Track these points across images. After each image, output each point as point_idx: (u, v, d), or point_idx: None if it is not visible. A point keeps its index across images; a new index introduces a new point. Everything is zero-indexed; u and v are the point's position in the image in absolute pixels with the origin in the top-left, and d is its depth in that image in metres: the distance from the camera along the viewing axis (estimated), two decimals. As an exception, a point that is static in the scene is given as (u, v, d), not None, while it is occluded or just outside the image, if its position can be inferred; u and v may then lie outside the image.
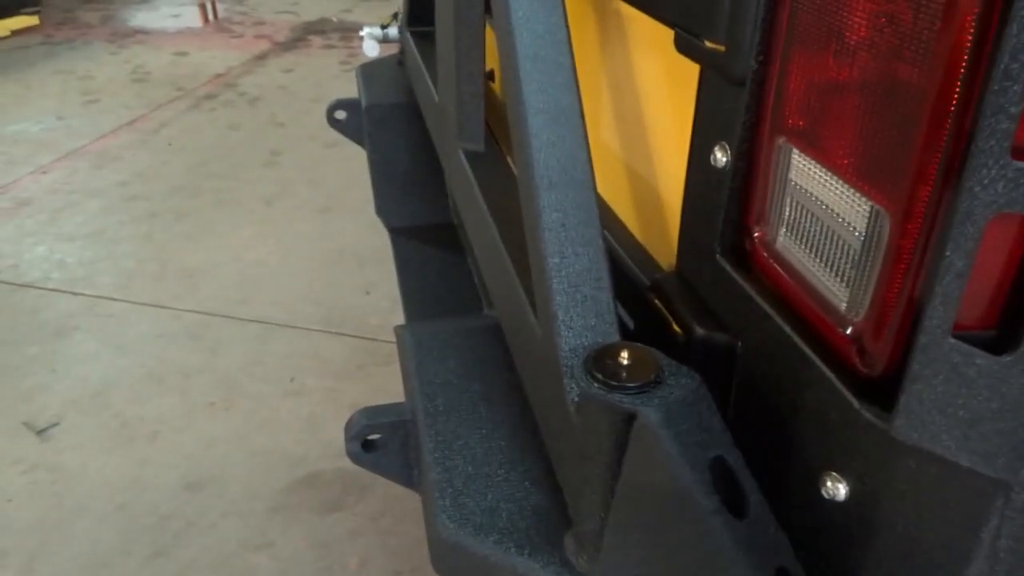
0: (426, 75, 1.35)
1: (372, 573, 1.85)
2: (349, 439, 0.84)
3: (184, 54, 5.51)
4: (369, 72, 1.77)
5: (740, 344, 0.61)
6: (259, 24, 6.24)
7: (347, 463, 2.23)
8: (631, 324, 0.78)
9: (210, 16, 6.48)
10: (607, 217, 0.86)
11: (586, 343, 0.65)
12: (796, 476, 0.59)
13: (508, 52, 0.73)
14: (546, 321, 0.69)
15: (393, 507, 2.00)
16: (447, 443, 0.78)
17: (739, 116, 0.55)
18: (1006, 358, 0.41)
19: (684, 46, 0.61)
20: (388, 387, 2.38)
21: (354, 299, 2.88)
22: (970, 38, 0.36)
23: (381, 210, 1.45)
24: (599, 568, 0.64)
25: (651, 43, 0.77)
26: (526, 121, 0.70)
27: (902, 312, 0.42)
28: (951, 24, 0.36)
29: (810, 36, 0.46)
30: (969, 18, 0.35)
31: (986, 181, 0.35)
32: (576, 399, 0.62)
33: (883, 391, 0.45)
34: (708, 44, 0.57)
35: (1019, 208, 0.37)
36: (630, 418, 0.56)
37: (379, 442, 0.85)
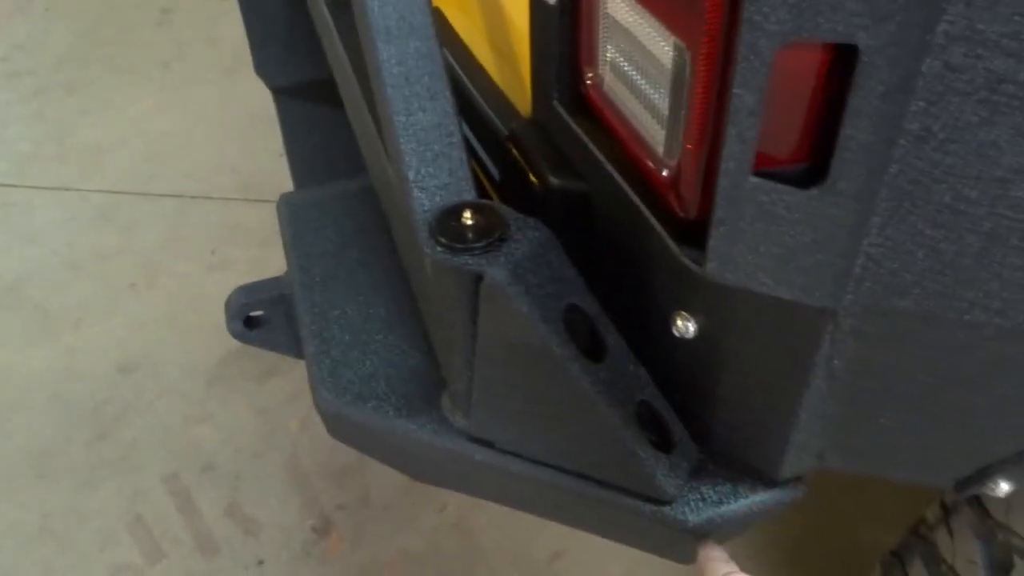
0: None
1: (314, 431, 1.90)
2: (231, 318, 0.82)
3: (50, -96, 4.93)
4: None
5: (590, 189, 0.60)
6: None
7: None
8: (497, 175, 0.76)
9: None
10: (468, 64, 0.81)
11: (440, 203, 0.63)
12: (650, 316, 0.59)
13: None
14: (399, 182, 0.66)
15: (329, 367, 2.03)
16: (324, 314, 0.77)
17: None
18: (814, 191, 0.41)
19: None
20: (311, 250, 2.34)
21: (270, 163, 2.77)
22: None
23: (260, 68, 1.36)
24: (473, 424, 0.65)
25: None
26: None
27: (708, 152, 0.40)
28: None
29: None
30: None
31: (766, 8, 0.33)
32: (432, 262, 0.61)
33: (703, 234, 0.45)
34: None
35: (809, 34, 0.34)
36: (478, 279, 0.55)
37: (262, 318, 0.83)
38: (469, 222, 0.57)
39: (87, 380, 2.04)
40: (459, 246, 0.56)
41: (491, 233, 0.56)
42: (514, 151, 0.68)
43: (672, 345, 0.59)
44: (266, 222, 2.54)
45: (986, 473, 0.57)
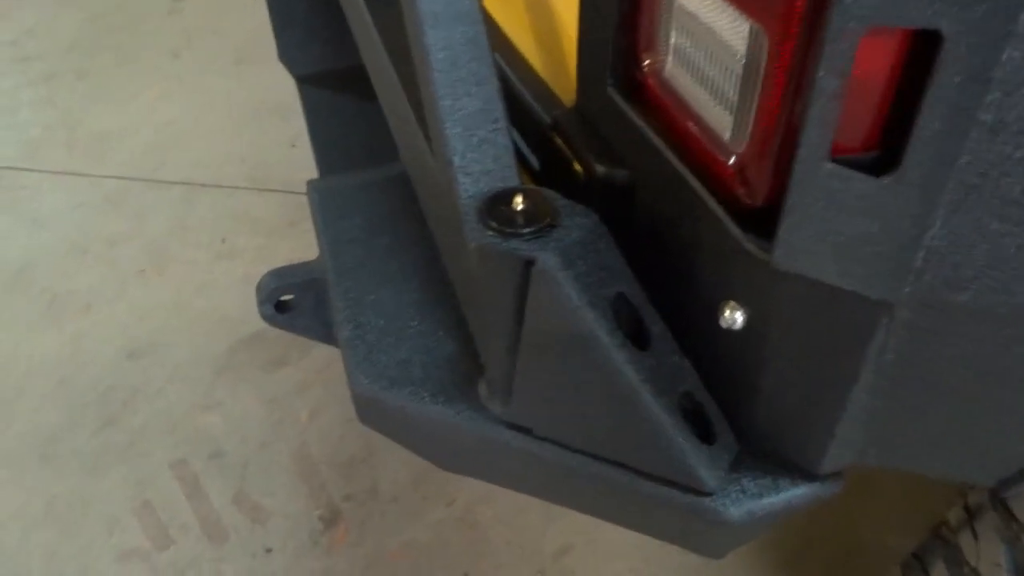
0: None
1: (324, 422, 1.90)
2: (261, 301, 0.82)
3: None
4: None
5: (638, 178, 0.60)
6: None
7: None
8: (536, 164, 0.76)
9: None
10: (508, 54, 0.81)
11: (484, 188, 0.63)
12: (697, 306, 0.59)
13: None
14: (443, 168, 0.66)
15: (339, 359, 2.03)
16: (358, 299, 0.77)
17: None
18: (885, 180, 0.41)
19: None
20: (321, 241, 2.35)
21: (279, 153, 2.77)
22: None
23: (284, 55, 1.35)
24: (512, 411, 0.65)
25: None
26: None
27: (781, 138, 0.40)
28: None
29: None
30: None
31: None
32: (478, 247, 0.61)
33: (768, 221, 0.45)
34: None
35: (893, 20, 0.34)
36: (528, 264, 0.55)
37: (292, 302, 0.83)
38: (519, 207, 0.57)
39: (95, 366, 2.03)
40: (509, 231, 0.56)
41: (541, 219, 0.56)
42: (557, 139, 0.68)
43: (718, 336, 0.58)
44: (274, 212, 2.54)
45: (1029, 471, 0.58)
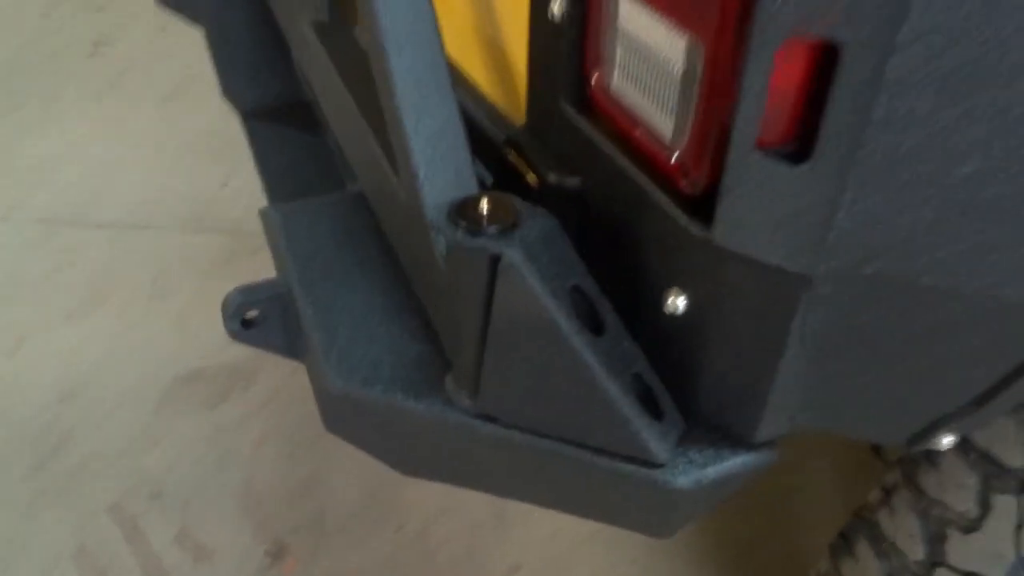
0: (259, -57, 1.29)
1: (269, 452, 1.90)
2: (228, 317, 0.85)
3: (-29, -68, 4.83)
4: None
5: (588, 184, 0.67)
6: None
7: (227, 357, 2.22)
8: (488, 179, 0.83)
9: None
10: (458, 80, 0.88)
11: (448, 198, 0.69)
12: (643, 295, 0.67)
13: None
14: (409, 181, 0.72)
15: (281, 392, 2.03)
16: (326, 307, 0.81)
17: (571, -36, 0.58)
18: (802, 167, 0.49)
19: None
20: (260, 275, 2.36)
21: (211, 191, 2.77)
22: None
23: (228, 92, 1.39)
24: (478, 402, 0.70)
25: None
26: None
27: (716, 135, 0.48)
28: None
29: None
30: None
31: (776, 8, 0.41)
32: (444, 250, 0.67)
33: (706, 207, 0.52)
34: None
35: (807, 30, 0.43)
36: (495, 259, 0.61)
37: (258, 318, 0.87)
38: (484, 211, 0.63)
39: (25, 407, 1.98)
40: (476, 231, 0.62)
41: (504, 220, 0.63)
42: (511, 154, 0.75)
43: (662, 321, 0.66)
44: (208, 252, 2.53)
45: (934, 429, 0.66)
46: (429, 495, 1.80)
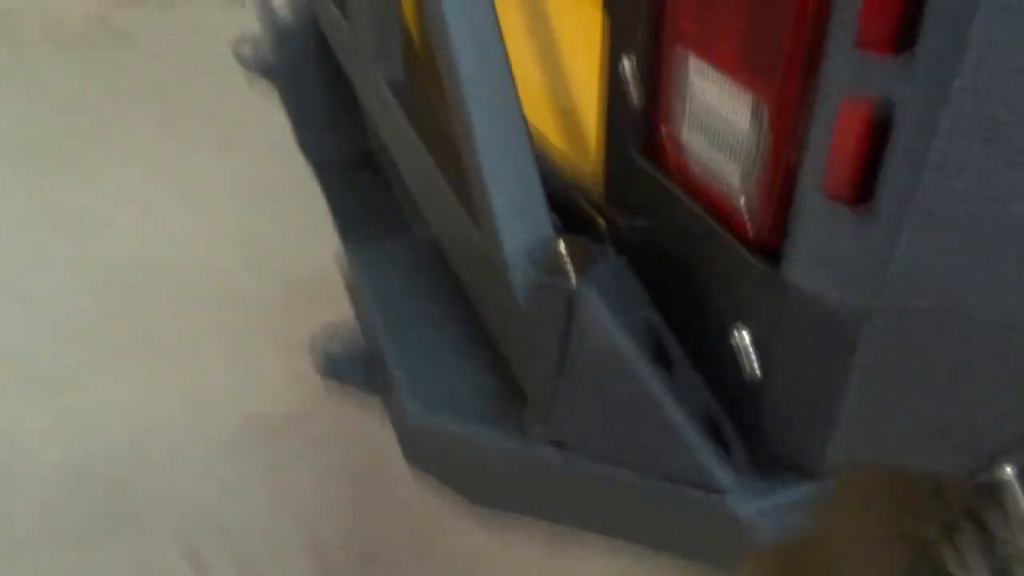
0: (334, 8, 1.38)
1: (326, 491, 1.95)
2: (315, 356, 0.92)
3: (47, -5, 5.13)
4: (268, 6, 1.76)
5: (656, 225, 0.72)
6: (127, -41, 5.83)
7: (286, 397, 2.28)
8: (558, 222, 0.88)
9: (68, -47, 6.01)
10: (531, 132, 0.95)
11: (525, 241, 0.75)
12: (707, 329, 0.71)
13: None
14: (488, 226, 0.78)
15: (337, 432, 2.09)
16: (405, 344, 0.87)
17: (642, 31, 0.65)
18: (862, 210, 0.53)
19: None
20: (316, 317, 2.44)
21: (268, 235, 2.86)
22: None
23: (302, 144, 1.49)
24: (553, 430, 0.75)
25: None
26: (453, 48, 0.77)
27: (781, 182, 0.53)
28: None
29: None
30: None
31: (839, 63, 0.46)
32: (524, 289, 0.73)
33: (771, 247, 0.57)
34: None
35: (865, 89, 0.48)
36: (572, 298, 0.67)
37: (341, 355, 0.93)
38: (561, 252, 0.69)
39: (91, 445, 2.06)
40: (554, 272, 0.68)
41: (580, 261, 0.68)
42: (581, 199, 0.81)
43: (726, 354, 0.70)
44: (266, 295, 2.62)
45: (994, 459, 0.69)
46: (478, 536, 1.83)
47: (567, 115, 0.89)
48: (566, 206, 0.85)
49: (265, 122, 3.41)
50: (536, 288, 0.68)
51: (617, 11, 0.70)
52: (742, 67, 0.54)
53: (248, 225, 2.87)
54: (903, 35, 0.47)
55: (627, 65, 0.69)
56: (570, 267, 0.68)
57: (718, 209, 0.62)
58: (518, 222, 0.76)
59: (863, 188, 0.54)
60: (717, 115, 0.59)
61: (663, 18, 0.62)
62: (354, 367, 0.93)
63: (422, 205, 1.04)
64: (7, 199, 3.02)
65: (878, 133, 0.51)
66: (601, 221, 0.78)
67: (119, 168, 3.17)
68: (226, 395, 2.21)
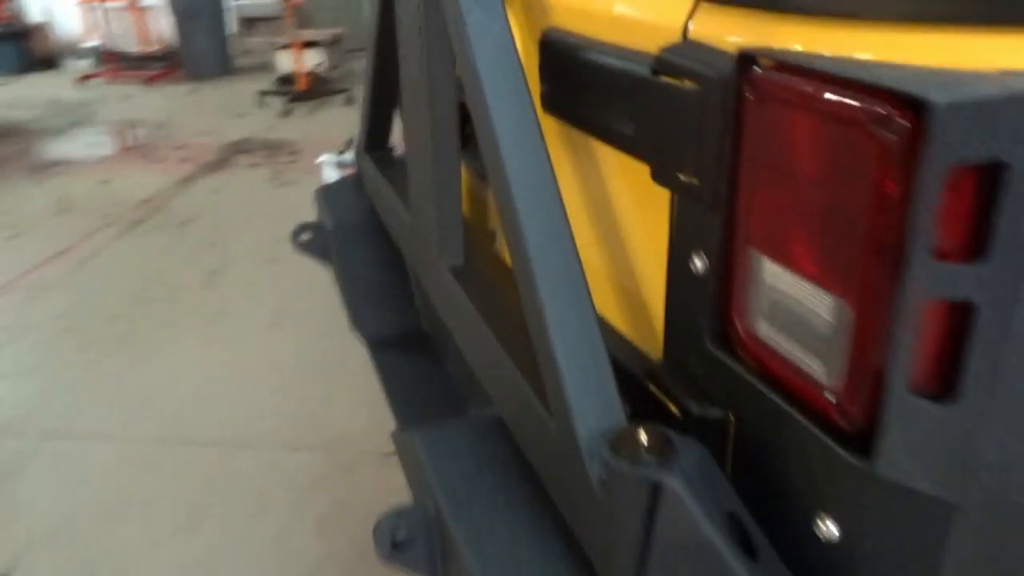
0: (394, 196, 1.48)
1: None
2: (380, 542, 0.91)
3: (107, 182, 5.52)
4: (326, 195, 1.88)
5: (731, 415, 0.74)
6: (181, 148, 6.31)
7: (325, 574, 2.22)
8: (629, 409, 0.90)
9: (130, 142, 6.53)
10: (599, 322, 0.99)
11: (600, 428, 0.76)
12: (791, 519, 0.70)
13: (501, 185, 0.86)
14: (560, 413, 0.80)
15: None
16: (475, 531, 0.87)
17: (715, 231, 0.69)
18: (948, 406, 0.55)
19: (661, 178, 0.75)
20: (353, 496, 2.42)
21: (309, 411, 2.90)
22: (896, 188, 0.51)
23: (357, 324, 1.54)
24: (635, 624, 0.73)
25: (622, 173, 0.92)
26: (526, 242, 0.83)
27: (870, 377, 0.55)
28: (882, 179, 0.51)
29: (768, 174, 0.61)
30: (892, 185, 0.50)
31: (918, 272, 0.50)
32: (602, 477, 0.73)
33: (860, 441, 0.58)
34: (683, 177, 0.71)
35: (942, 293, 0.51)
36: (657, 487, 0.67)
37: (407, 540, 0.92)
38: (643, 440, 0.70)
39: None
40: (637, 460, 0.68)
41: (661, 449, 0.69)
42: (652, 386, 0.83)
43: (811, 545, 0.69)
44: (306, 469, 2.62)
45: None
46: None
47: (632, 301, 0.93)
48: (637, 392, 0.87)
49: (307, 301, 3.57)
50: (616, 477, 0.69)
51: (686, 212, 0.75)
52: (822, 273, 0.58)
53: (290, 402, 2.92)
54: (976, 243, 0.51)
55: (698, 262, 0.73)
56: (653, 456, 0.69)
57: (800, 400, 0.64)
58: (591, 407, 0.78)
59: (948, 382, 0.55)
60: (795, 313, 0.62)
61: (737, 223, 0.66)
62: (419, 552, 0.92)
63: (487, 387, 1.06)
64: (69, 382, 3.12)
65: (958, 330, 0.54)
66: (675, 410, 0.80)
67: (174, 352, 3.29)
68: (268, 571, 2.16)
